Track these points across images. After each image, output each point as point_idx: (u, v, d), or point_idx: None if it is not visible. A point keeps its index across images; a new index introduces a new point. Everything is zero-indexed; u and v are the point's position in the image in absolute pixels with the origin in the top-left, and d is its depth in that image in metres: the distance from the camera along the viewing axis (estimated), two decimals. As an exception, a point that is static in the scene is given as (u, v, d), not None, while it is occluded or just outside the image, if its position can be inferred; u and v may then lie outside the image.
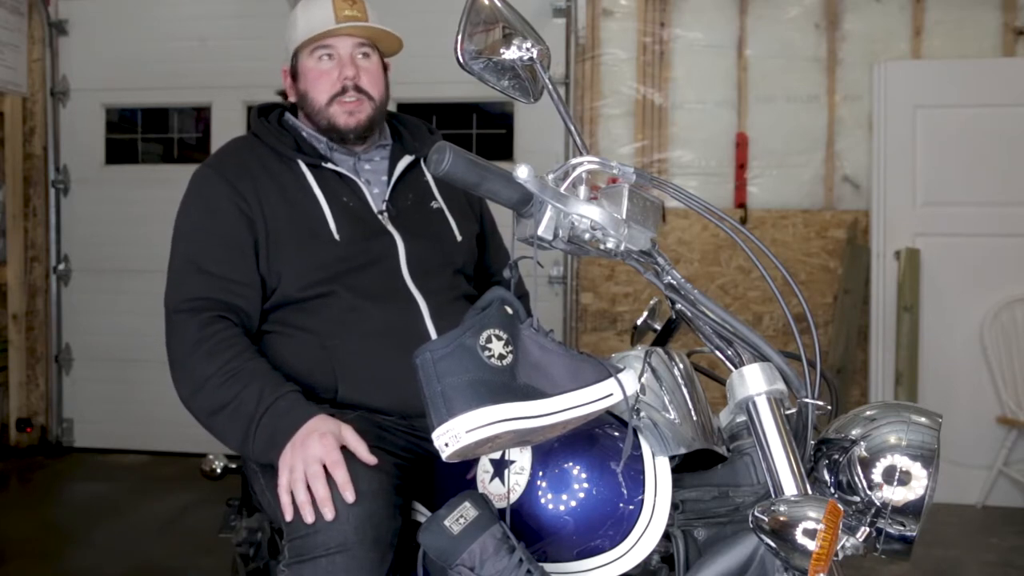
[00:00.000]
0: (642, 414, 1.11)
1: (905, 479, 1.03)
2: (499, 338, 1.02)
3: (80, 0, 4.56)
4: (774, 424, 1.04)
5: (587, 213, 1.05)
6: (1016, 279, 3.75)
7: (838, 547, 0.94)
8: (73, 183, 4.62)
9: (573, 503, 1.12)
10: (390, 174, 1.68)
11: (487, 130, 4.49)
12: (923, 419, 1.07)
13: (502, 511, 1.13)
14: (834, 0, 4.03)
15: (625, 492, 1.12)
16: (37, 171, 4.59)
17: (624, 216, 1.07)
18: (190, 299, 1.50)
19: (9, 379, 4.56)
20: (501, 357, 1.01)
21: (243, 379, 1.41)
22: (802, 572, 0.91)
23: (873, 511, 1.03)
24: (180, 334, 1.48)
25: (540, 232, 1.04)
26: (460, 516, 1.08)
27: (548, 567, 1.11)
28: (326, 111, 1.63)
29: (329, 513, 1.24)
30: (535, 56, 1.20)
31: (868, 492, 1.04)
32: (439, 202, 1.70)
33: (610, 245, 1.08)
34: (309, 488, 1.26)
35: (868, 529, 1.01)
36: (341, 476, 1.26)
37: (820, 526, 0.90)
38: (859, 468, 1.05)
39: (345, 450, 1.31)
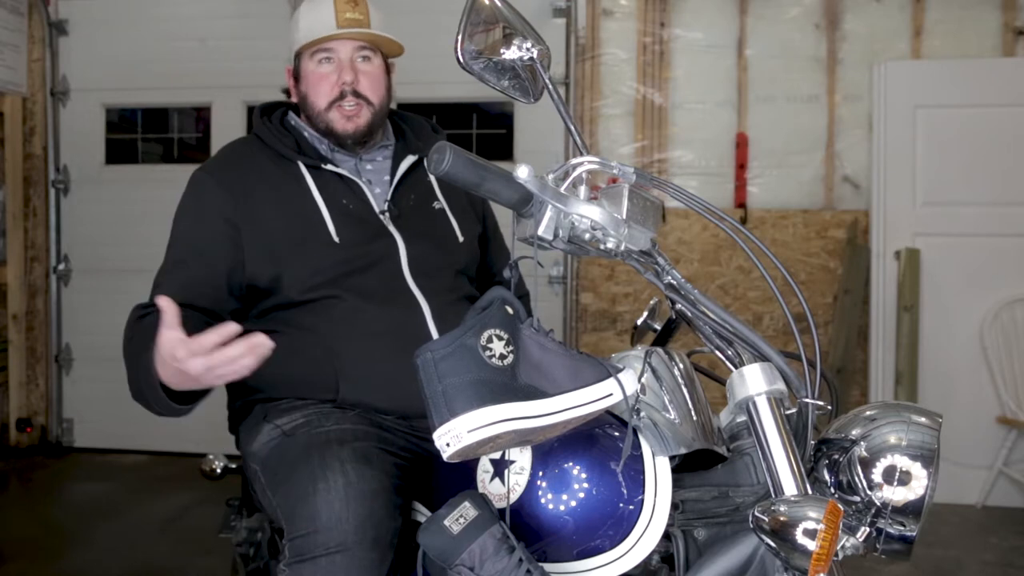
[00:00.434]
0: (642, 414, 1.11)
1: (905, 479, 1.03)
2: (500, 338, 1.02)
3: (80, 0, 4.56)
4: (774, 424, 1.04)
5: (587, 213, 1.05)
6: (1016, 279, 3.75)
7: (838, 547, 0.94)
8: (73, 183, 4.62)
9: (573, 503, 1.12)
10: (392, 174, 1.68)
11: (487, 130, 4.49)
12: (923, 419, 1.07)
13: (502, 511, 1.13)
14: (834, 0, 4.03)
15: (625, 492, 1.11)
16: (37, 171, 4.59)
17: (624, 216, 1.07)
18: (149, 304, 1.47)
19: (9, 379, 4.56)
20: (502, 357, 1.01)
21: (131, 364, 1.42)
22: (802, 572, 0.92)
23: (873, 511, 1.03)
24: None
25: (540, 232, 1.04)
26: (460, 516, 1.08)
27: (548, 567, 1.11)
28: (325, 116, 1.63)
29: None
30: (535, 56, 1.20)
31: (868, 492, 1.04)
32: (441, 202, 1.70)
33: (610, 245, 1.08)
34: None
35: (868, 529, 1.01)
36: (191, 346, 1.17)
37: (820, 526, 0.90)
38: (859, 468, 1.05)
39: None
